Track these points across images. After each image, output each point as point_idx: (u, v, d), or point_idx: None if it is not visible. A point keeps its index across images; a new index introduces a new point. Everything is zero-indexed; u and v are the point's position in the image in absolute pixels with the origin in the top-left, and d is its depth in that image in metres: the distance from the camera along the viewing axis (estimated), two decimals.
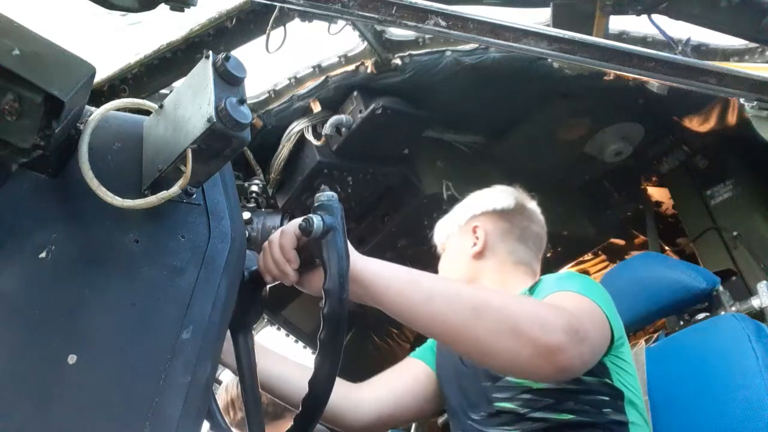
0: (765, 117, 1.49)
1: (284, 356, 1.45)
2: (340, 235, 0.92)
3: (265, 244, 1.02)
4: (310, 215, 0.93)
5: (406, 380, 1.55)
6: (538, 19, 2.06)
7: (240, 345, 1.03)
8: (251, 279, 1.03)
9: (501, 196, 1.71)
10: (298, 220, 0.95)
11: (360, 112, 2.39)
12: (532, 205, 1.74)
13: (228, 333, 0.96)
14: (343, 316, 0.89)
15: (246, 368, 1.03)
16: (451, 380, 1.48)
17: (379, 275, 0.99)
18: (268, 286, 1.06)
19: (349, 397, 1.45)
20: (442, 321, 0.98)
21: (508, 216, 1.66)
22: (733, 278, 2.65)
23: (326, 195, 0.95)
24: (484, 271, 1.59)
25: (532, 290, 1.38)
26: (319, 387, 0.90)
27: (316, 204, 0.95)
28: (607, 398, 1.24)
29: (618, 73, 1.67)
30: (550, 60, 2.14)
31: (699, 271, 2.04)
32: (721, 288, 2.06)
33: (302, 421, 0.91)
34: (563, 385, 1.23)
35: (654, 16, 1.62)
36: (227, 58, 0.75)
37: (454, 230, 1.68)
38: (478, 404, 1.34)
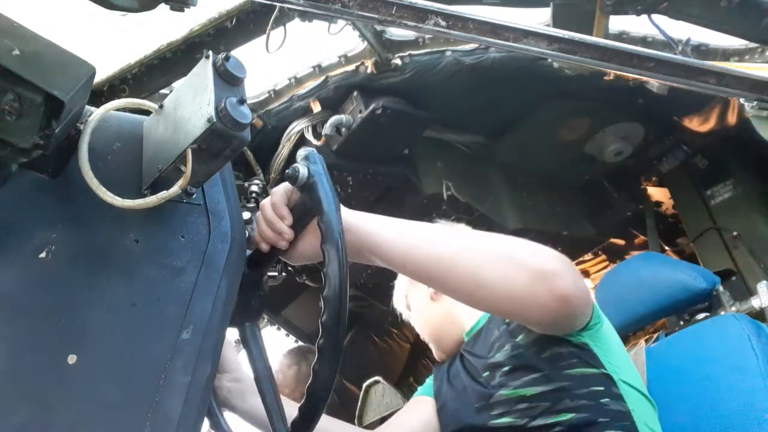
0: (765, 117, 1.49)
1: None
2: (325, 177, 0.94)
3: (258, 213, 1.03)
4: (295, 164, 0.95)
5: (422, 417, 1.51)
6: (538, 19, 2.06)
7: (248, 336, 1.03)
8: (249, 264, 1.02)
9: None
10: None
11: (360, 112, 2.39)
12: (462, 227, 1.72)
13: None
14: (343, 247, 0.88)
15: (257, 358, 1.02)
16: (445, 408, 1.47)
17: (370, 219, 1.02)
18: (266, 277, 1.06)
19: None
20: (437, 254, 0.99)
21: None
22: (733, 278, 2.65)
23: (306, 149, 0.98)
24: (452, 307, 1.56)
25: None
26: (323, 381, 0.88)
27: (298, 158, 0.97)
28: (601, 388, 1.21)
29: (618, 73, 1.67)
30: (550, 60, 2.14)
31: (699, 271, 2.03)
32: (721, 288, 2.06)
33: (307, 411, 0.90)
34: (556, 384, 1.21)
35: (654, 16, 1.62)
36: (227, 58, 0.75)
37: (407, 284, 1.66)
38: (475, 426, 1.32)
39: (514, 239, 1.04)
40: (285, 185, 0.99)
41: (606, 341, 1.27)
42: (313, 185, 0.92)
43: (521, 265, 0.96)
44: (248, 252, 1.03)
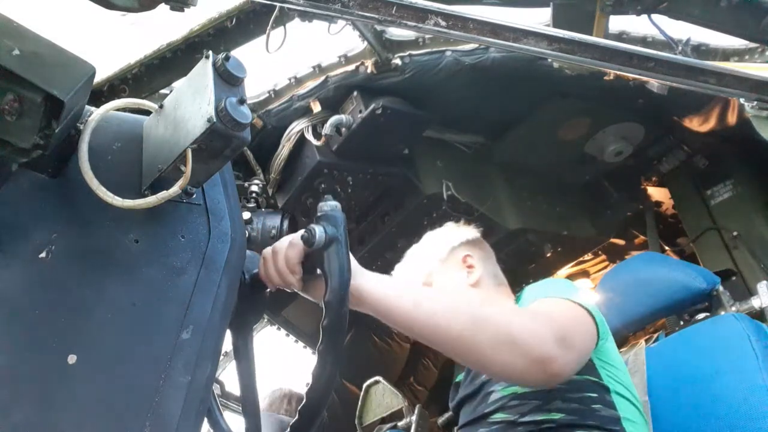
0: (765, 117, 1.49)
1: None
2: (343, 247, 0.92)
3: (267, 251, 1.02)
4: (313, 226, 0.93)
5: None
6: (538, 19, 2.06)
7: (239, 345, 1.04)
8: (252, 283, 1.03)
9: (463, 229, 1.74)
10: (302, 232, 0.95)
11: (360, 112, 2.39)
12: (469, 229, 1.78)
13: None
14: (343, 328, 0.90)
15: (245, 367, 1.04)
16: (459, 409, 1.52)
17: (382, 294, 1.02)
18: (268, 291, 1.06)
19: None
20: (444, 335, 1.03)
21: (479, 244, 1.71)
22: (733, 278, 2.64)
23: (329, 205, 0.96)
24: (486, 299, 1.59)
25: (516, 302, 1.41)
26: (317, 395, 0.90)
27: (318, 213, 0.95)
28: (594, 395, 1.26)
29: (618, 73, 1.67)
30: (550, 60, 2.14)
31: (699, 271, 2.03)
32: (721, 288, 2.05)
33: (306, 414, 0.91)
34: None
35: (654, 16, 1.62)
36: (227, 58, 0.75)
37: (435, 266, 1.64)
38: (478, 421, 1.37)
39: (515, 317, 1.08)
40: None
41: (607, 355, 1.32)
42: (326, 257, 0.92)
43: (520, 351, 1.02)
44: (248, 252, 1.03)
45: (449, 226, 1.77)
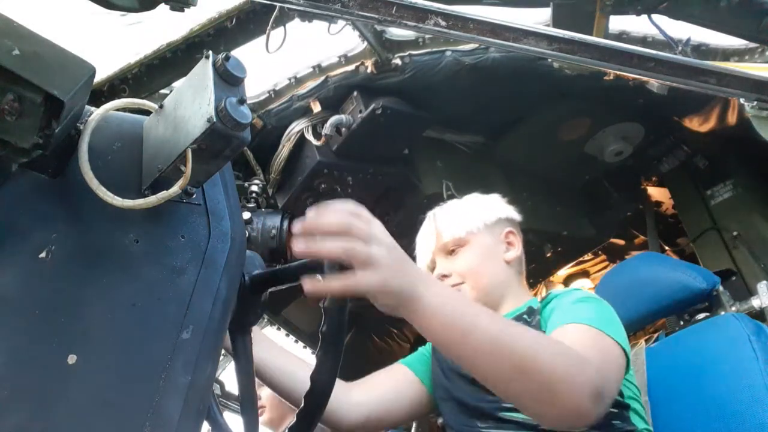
0: (765, 117, 1.50)
1: (287, 351, 1.49)
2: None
3: (304, 223, 0.88)
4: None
5: (395, 386, 1.57)
6: (538, 19, 2.06)
7: (238, 346, 1.04)
8: (252, 283, 1.03)
9: (509, 207, 1.71)
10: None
11: (360, 112, 2.39)
12: (496, 198, 1.77)
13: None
14: (342, 336, 0.89)
15: (243, 369, 1.04)
16: (445, 398, 1.50)
17: (436, 316, 0.92)
18: (268, 291, 1.06)
19: (339, 396, 1.43)
20: (484, 374, 0.98)
21: (518, 227, 1.69)
22: (733, 278, 2.64)
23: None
24: (511, 282, 1.58)
25: (543, 305, 1.40)
26: (315, 400, 0.90)
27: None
28: (615, 410, 1.27)
29: (618, 73, 1.67)
30: (550, 60, 2.14)
31: (699, 271, 2.03)
32: (721, 288, 2.05)
33: (304, 419, 0.92)
34: None
35: (654, 16, 1.62)
36: (227, 58, 0.75)
37: (480, 227, 1.60)
38: (485, 413, 1.35)
39: (560, 360, 1.00)
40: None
41: (630, 375, 1.33)
42: (327, 264, 0.88)
43: (557, 404, 0.98)
44: (248, 252, 1.03)
45: (497, 198, 1.74)
